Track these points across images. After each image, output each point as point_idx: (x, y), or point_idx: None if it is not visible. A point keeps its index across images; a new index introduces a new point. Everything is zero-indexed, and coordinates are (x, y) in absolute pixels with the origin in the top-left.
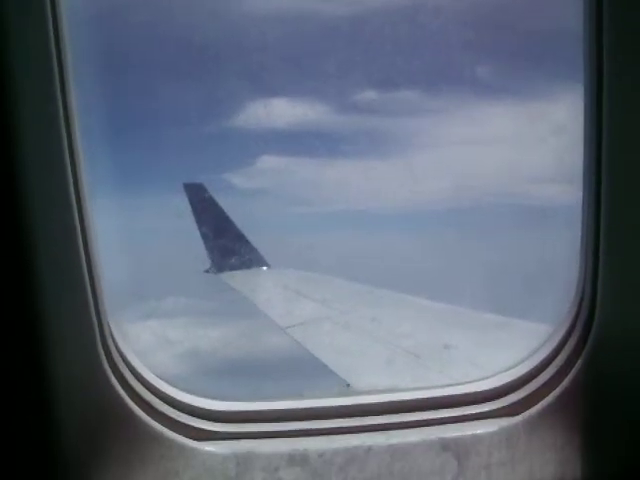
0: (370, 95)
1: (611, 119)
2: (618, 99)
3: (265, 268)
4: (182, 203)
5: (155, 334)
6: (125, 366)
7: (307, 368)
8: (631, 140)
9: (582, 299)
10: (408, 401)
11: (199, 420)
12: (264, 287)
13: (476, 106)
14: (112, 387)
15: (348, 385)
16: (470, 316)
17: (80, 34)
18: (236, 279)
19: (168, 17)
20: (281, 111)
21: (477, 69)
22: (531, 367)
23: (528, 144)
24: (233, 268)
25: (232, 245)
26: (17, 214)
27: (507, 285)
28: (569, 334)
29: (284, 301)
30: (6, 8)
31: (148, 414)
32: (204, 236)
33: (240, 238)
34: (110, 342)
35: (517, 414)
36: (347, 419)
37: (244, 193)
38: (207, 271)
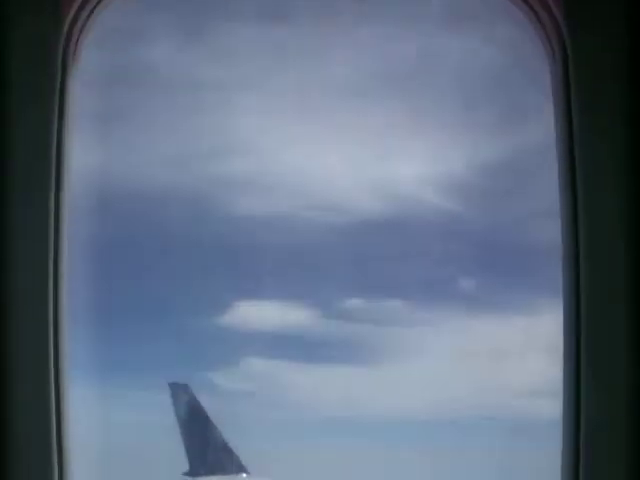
0: (356, 303)
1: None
2: (595, 319)
3: (244, 475)
4: (165, 400)
5: None
6: None
7: None
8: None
9: None
10: None
11: None
12: None
13: (461, 318)
14: None
15: None
16: None
17: (77, 224)
18: None
19: (161, 214)
20: (268, 314)
21: (463, 282)
22: None
23: (512, 357)
24: (212, 473)
25: (213, 450)
26: None
27: None
28: None
29: None
30: (9, 201)
31: None
32: (185, 437)
33: (221, 443)
34: None
35: None
36: None
37: (228, 394)
38: (185, 474)
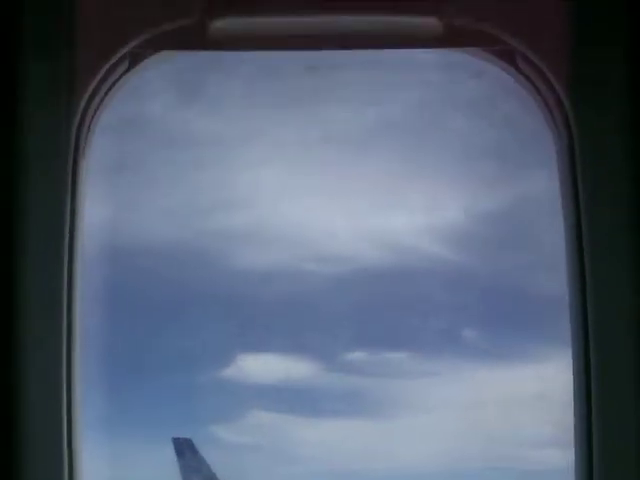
0: (360, 355)
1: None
2: (604, 366)
3: None
4: (169, 454)
5: None
6: None
7: None
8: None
9: None
10: None
11: None
12: None
13: (468, 368)
14: None
15: None
16: None
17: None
18: None
19: (163, 270)
20: (271, 367)
21: (468, 332)
22: None
23: (519, 407)
24: None
25: None
26: (10, 448)
27: None
28: None
29: None
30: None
31: None
32: None
33: None
34: None
35: None
36: None
37: (233, 448)
38: None
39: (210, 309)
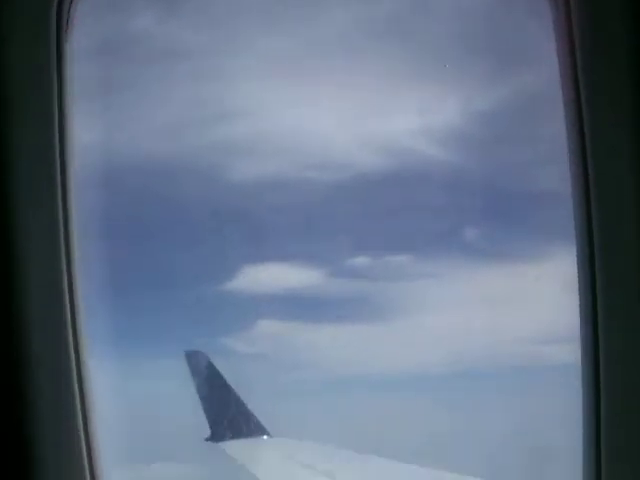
0: (362, 260)
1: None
2: (609, 254)
3: (266, 437)
4: (182, 368)
5: None
6: None
7: None
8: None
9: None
10: None
11: None
12: (265, 457)
13: (469, 268)
14: None
15: None
16: None
17: (82, 200)
18: (237, 449)
19: (166, 180)
20: (275, 276)
21: (468, 232)
22: None
23: (521, 305)
24: (234, 437)
25: (233, 414)
26: (20, 397)
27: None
28: None
29: (285, 472)
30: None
31: None
32: (204, 404)
33: (241, 407)
34: None
35: None
36: None
37: (244, 357)
38: (207, 439)
39: (211, 223)
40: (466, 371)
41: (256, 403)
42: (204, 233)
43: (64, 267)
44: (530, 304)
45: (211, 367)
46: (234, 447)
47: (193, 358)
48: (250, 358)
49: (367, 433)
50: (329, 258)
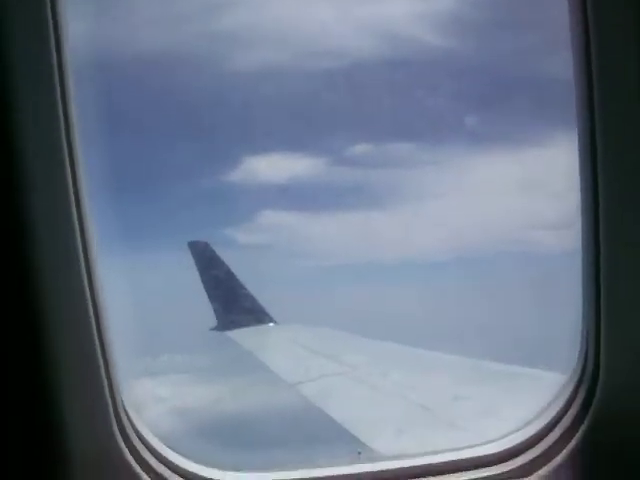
0: (362, 148)
1: (606, 171)
2: (612, 148)
3: (272, 324)
4: (186, 260)
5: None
6: (139, 440)
7: (318, 427)
8: (627, 188)
9: (586, 359)
10: (418, 467)
11: None
12: (271, 343)
13: (471, 155)
14: (127, 462)
15: (359, 453)
16: (477, 366)
17: (83, 95)
18: (244, 336)
19: (164, 76)
20: (276, 166)
21: (469, 119)
22: (538, 428)
23: (523, 191)
24: (240, 325)
25: (238, 302)
26: (27, 281)
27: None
28: (575, 393)
29: (292, 357)
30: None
31: None
32: (210, 294)
33: (246, 295)
34: (123, 416)
35: (527, 476)
36: None
37: (247, 248)
38: (214, 329)
39: (210, 114)
40: (465, 257)
41: (261, 292)
42: (204, 124)
43: (66, 161)
44: (530, 190)
45: (215, 257)
46: (240, 335)
47: (197, 248)
48: (253, 248)
49: (369, 319)
50: (329, 147)
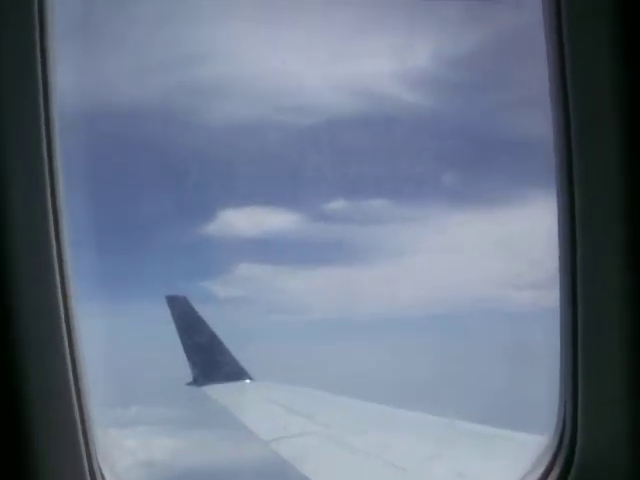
0: (340, 204)
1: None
2: (589, 198)
3: (248, 381)
4: (164, 312)
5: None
6: None
7: None
8: (603, 252)
9: (564, 425)
10: None
11: None
12: (246, 400)
13: (447, 213)
14: None
15: None
16: (453, 426)
17: (68, 150)
18: (219, 392)
19: (142, 129)
20: (254, 220)
21: (445, 177)
22: None
23: (501, 250)
24: (216, 381)
25: (215, 358)
26: (3, 330)
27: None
28: (554, 460)
29: (267, 414)
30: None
31: None
32: (187, 348)
33: (223, 351)
34: (97, 471)
35: None
36: None
37: (224, 301)
38: (190, 384)
39: (187, 167)
40: (442, 313)
41: (237, 346)
42: (179, 177)
43: (50, 211)
44: (506, 248)
45: (192, 311)
46: (215, 391)
47: (175, 302)
48: (231, 301)
49: (345, 376)
50: (306, 202)
